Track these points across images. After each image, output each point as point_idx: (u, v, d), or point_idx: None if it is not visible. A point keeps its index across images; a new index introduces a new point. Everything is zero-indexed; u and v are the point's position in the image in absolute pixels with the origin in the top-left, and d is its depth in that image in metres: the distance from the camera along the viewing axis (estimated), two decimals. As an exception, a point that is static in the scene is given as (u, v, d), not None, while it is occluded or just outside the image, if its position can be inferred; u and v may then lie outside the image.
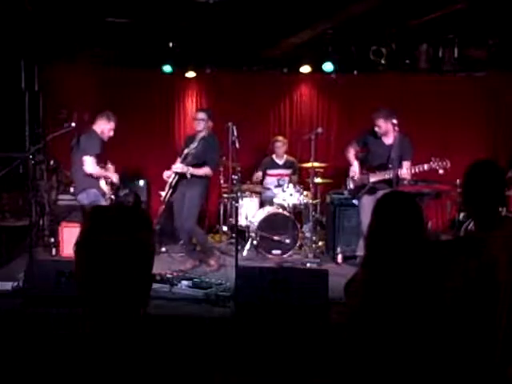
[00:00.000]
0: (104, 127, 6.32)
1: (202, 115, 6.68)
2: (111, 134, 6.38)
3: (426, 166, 6.21)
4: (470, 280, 2.29)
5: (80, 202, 6.37)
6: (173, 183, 6.63)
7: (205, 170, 6.56)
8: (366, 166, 6.64)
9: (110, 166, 6.57)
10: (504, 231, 2.37)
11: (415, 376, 2.16)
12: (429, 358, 2.16)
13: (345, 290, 2.50)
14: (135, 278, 1.42)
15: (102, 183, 6.33)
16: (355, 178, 6.64)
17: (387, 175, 6.31)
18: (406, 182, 7.25)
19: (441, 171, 6.21)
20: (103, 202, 6.28)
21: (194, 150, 6.58)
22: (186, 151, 6.65)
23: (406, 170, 6.26)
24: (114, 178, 6.45)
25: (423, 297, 2.20)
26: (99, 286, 1.41)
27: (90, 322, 1.41)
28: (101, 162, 6.39)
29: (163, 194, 6.74)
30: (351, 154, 6.70)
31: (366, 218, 6.49)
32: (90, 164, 6.18)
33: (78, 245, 1.44)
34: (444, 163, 6.16)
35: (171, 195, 6.69)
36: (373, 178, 6.48)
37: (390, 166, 6.27)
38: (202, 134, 6.62)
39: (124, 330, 1.40)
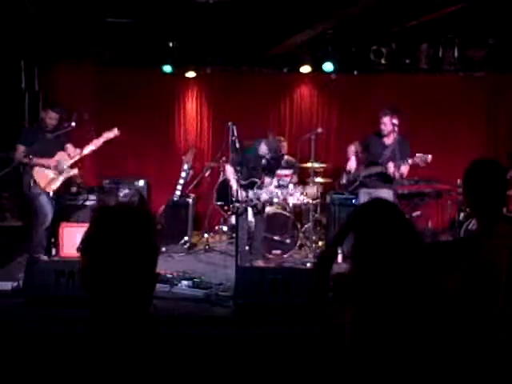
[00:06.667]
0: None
1: None
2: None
3: (409, 161, 6.26)
4: (468, 281, 2.28)
5: None
6: None
7: None
8: (362, 162, 6.77)
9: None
10: (506, 231, 2.35)
11: (414, 377, 2.15)
12: (428, 359, 2.16)
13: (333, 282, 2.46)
14: (139, 278, 1.42)
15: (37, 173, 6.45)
16: (350, 172, 6.76)
17: (375, 170, 6.46)
18: (405, 182, 7.27)
19: (422, 164, 6.26)
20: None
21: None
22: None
23: (392, 168, 6.28)
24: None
25: (421, 299, 2.18)
26: (104, 285, 1.41)
27: (95, 321, 1.42)
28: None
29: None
30: (351, 150, 6.81)
31: None
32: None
33: (83, 244, 1.44)
34: (424, 157, 6.19)
35: None
36: (363, 173, 6.62)
37: (380, 161, 6.42)
38: None
39: (129, 329, 1.40)
